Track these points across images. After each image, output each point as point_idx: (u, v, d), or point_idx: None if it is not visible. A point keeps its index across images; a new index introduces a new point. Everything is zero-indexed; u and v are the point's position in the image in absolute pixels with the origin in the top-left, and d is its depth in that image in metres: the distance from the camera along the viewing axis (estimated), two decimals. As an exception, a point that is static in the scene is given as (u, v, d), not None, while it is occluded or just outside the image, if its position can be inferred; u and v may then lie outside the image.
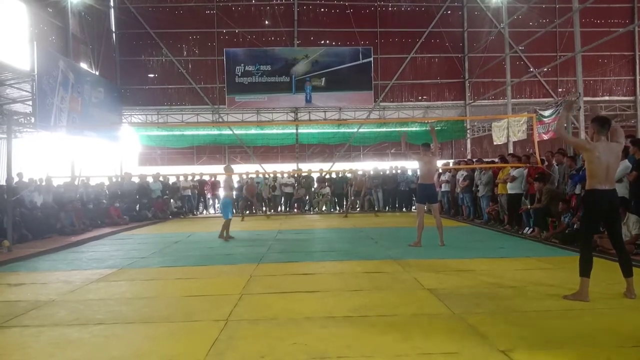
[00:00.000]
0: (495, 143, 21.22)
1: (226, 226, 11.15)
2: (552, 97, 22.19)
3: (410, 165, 18.81)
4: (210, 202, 20.56)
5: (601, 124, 5.18)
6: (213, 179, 19.71)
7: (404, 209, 18.89)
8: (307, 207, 19.74)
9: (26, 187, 12.78)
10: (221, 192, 11.57)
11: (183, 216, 18.44)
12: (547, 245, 9.17)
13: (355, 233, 11.99)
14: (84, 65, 18.88)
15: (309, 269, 7.23)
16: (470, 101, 23.15)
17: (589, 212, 5.26)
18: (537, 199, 10.44)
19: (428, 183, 9.34)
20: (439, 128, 23.21)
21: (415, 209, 12.16)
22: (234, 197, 19.07)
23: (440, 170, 16.44)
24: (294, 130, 22.93)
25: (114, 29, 22.10)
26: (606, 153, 5.08)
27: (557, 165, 10.88)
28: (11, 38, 14.16)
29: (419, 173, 9.59)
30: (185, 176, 19.22)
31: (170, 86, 22.57)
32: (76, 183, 15.81)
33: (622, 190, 8.39)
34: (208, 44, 22.49)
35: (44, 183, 13.90)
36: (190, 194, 19.18)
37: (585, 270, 5.13)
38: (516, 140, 19.52)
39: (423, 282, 6.08)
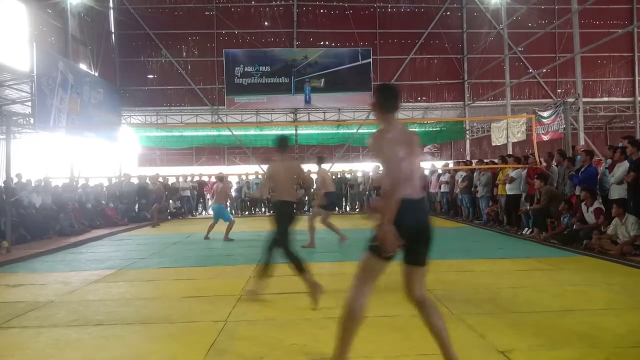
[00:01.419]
0: (494, 144, 21.24)
1: (230, 228, 11.34)
2: (551, 98, 22.21)
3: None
4: (210, 202, 20.53)
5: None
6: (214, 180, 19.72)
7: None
8: (306, 208, 19.72)
9: (25, 188, 12.77)
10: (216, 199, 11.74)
11: (182, 217, 18.43)
12: (546, 246, 9.17)
13: (355, 234, 11.97)
14: (83, 66, 18.88)
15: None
16: (470, 102, 23.16)
17: None
18: (536, 199, 10.45)
19: (334, 191, 10.36)
20: (438, 129, 23.23)
21: None
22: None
23: (440, 171, 16.46)
24: (294, 131, 22.93)
25: (113, 30, 22.10)
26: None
27: (556, 166, 10.89)
28: (10, 39, 14.16)
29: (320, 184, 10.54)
30: (185, 177, 19.22)
31: (169, 87, 22.58)
32: (75, 184, 15.78)
33: (621, 191, 8.41)
34: (207, 44, 22.51)
35: (42, 184, 13.88)
36: (189, 194, 19.17)
37: None
38: (515, 141, 19.53)
39: (422, 282, 6.07)
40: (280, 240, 5.29)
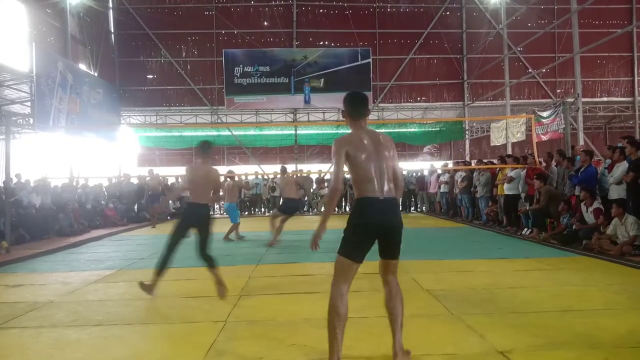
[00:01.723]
0: (493, 144, 21.25)
1: (233, 229, 11.33)
2: (550, 98, 22.23)
3: (409, 167, 18.85)
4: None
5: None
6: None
7: (405, 210, 18.89)
8: (306, 208, 19.73)
9: (24, 188, 12.77)
10: (226, 197, 11.60)
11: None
12: (546, 246, 9.18)
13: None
14: (82, 66, 18.88)
15: (307, 270, 7.23)
16: (469, 102, 23.17)
17: None
18: (535, 199, 10.45)
19: (294, 197, 10.93)
20: (438, 129, 23.24)
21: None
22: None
23: (439, 171, 16.47)
24: (293, 131, 22.94)
25: (112, 30, 22.10)
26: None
27: (555, 166, 10.90)
28: (10, 39, 14.16)
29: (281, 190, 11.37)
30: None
31: (169, 87, 22.58)
32: (74, 184, 15.77)
33: (620, 191, 8.42)
34: (207, 45, 22.50)
35: (41, 184, 13.86)
36: (188, 194, 19.11)
37: None
38: (515, 141, 19.54)
39: (421, 283, 6.08)
40: (200, 242, 5.59)
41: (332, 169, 3.46)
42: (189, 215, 5.66)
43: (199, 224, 5.59)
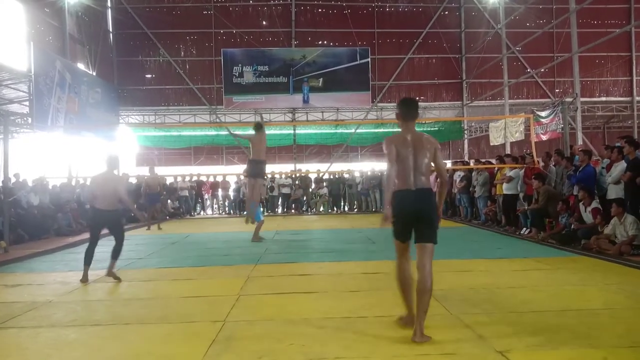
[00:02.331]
0: (492, 144, 21.27)
1: (259, 227, 10.99)
2: (549, 97, 22.25)
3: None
4: (208, 202, 20.54)
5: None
6: (213, 179, 19.75)
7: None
8: (304, 208, 19.74)
9: (23, 188, 12.75)
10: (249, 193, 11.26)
11: (180, 217, 18.42)
12: (544, 245, 9.18)
13: (353, 234, 12.00)
14: (81, 66, 18.85)
15: (306, 270, 7.23)
16: (468, 102, 23.19)
17: None
18: (534, 199, 10.46)
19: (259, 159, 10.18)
20: (437, 129, 23.25)
21: None
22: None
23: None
24: (292, 131, 22.94)
25: (111, 29, 22.07)
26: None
27: (554, 166, 10.90)
28: (8, 38, 14.14)
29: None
30: (183, 177, 19.19)
31: (167, 87, 22.56)
32: (73, 184, 15.75)
33: (618, 191, 8.43)
34: (205, 44, 22.49)
35: (39, 183, 13.83)
36: (187, 194, 19.15)
37: None
38: (513, 141, 19.56)
39: (420, 282, 6.07)
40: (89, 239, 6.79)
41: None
42: (91, 220, 6.85)
43: (109, 226, 6.74)
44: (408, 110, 4.19)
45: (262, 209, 11.35)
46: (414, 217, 4.01)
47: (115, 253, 6.71)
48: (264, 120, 22.53)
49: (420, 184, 4.01)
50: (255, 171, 10.22)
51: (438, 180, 4.44)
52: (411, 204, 3.99)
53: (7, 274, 7.51)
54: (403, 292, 4.15)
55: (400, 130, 4.20)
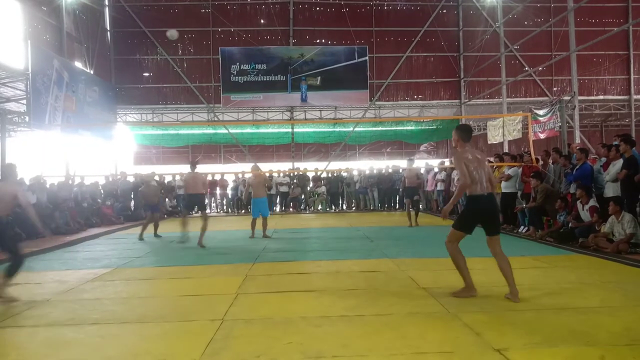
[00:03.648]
0: (490, 142, 21.29)
1: (266, 225, 11.24)
2: (547, 96, 22.26)
3: (406, 166, 18.76)
4: (206, 201, 20.48)
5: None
6: (211, 177, 19.71)
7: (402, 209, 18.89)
8: (302, 206, 19.74)
9: (20, 187, 12.69)
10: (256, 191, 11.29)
11: (178, 215, 18.38)
12: (542, 244, 9.20)
13: (351, 232, 12.00)
14: (78, 64, 18.81)
15: (304, 268, 7.23)
16: (466, 100, 23.19)
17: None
18: (532, 197, 10.47)
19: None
20: (435, 127, 23.26)
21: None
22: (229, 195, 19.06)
23: (436, 169, 16.49)
24: (290, 129, 22.93)
25: (108, 28, 22.02)
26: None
27: (552, 164, 10.92)
28: (5, 37, 14.10)
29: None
30: (181, 175, 19.14)
31: (165, 85, 22.52)
32: (71, 182, 15.72)
33: (616, 189, 8.45)
34: (203, 42, 22.45)
35: (35, 182, 13.79)
36: (181, 193, 19.09)
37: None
38: (511, 139, 19.58)
39: (418, 281, 6.09)
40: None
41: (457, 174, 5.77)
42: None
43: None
44: (469, 135, 5.37)
45: (259, 208, 11.37)
46: (486, 214, 5.23)
47: (8, 268, 5.83)
48: (262, 118, 22.59)
49: (488, 189, 5.17)
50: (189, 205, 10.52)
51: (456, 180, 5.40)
52: (484, 205, 5.17)
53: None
54: (462, 269, 5.25)
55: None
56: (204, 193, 10.98)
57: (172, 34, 9.38)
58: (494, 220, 5.30)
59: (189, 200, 11.18)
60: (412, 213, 12.82)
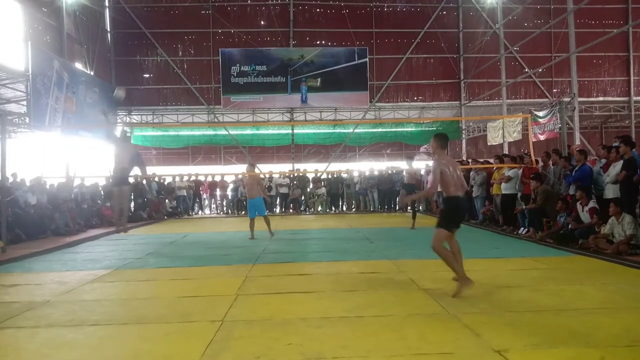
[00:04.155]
0: (490, 143, 21.28)
1: (268, 222, 11.37)
2: (547, 97, 22.26)
3: (406, 166, 18.75)
4: (206, 202, 20.53)
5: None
6: (211, 179, 19.74)
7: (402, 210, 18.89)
8: (302, 208, 19.74)
9: (20, 188, 12.72)
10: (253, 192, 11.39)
11: (178, 217, 18.40)
12: (542, 245, 9.20)
13: (351, 233, 12.00)
14: (78, 65, 18.81)
15: (304, 270, 7.23)
16: (466, 102, 23.20)
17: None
18: (532, 199, 10.47)
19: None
20: (435, 128, 23.26)
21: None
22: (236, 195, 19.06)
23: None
24: (290, 131, 22.92)
25: (108, 29, 22.02)
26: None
27: (552, 165, 10.92)
28: (5, 38, 14.11)
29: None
30: (181, 176, 19.17)
31: (165, 86, 22.52)
32: (71, 183, 15.71)
33: (616, 190, 8.45)
34: (203, 44, 22.45)
35: (36, 183, 13.78)
36: (185, 194, 19.13)
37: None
38: (511, 140, 19.58)
39: (418, 282, 6.09)
40: None
41: (429, 178, 5.82)
42: None
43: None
44: (446, 142, 5.92)
45: (255, 208, 11.48)
46: (463, 213, 6.04)
47: None
48: (263, 120, 22.60)
49: (462, 191, 5.71)
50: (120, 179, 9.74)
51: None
52: (458, 204, 5.67)
53: (5, 274, 7.49)
54: (452, 263, 5.51)
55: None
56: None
57: (119, 93, 9.33)
58: (464, 218, 6.33)
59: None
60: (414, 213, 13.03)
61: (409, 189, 12.93)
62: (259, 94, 21.79)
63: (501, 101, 21.22)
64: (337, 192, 19.55)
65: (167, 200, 18.43)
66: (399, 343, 3.90)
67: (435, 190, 5.91)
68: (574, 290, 5.55)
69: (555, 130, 15.68)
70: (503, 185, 11.48)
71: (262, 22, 22.62)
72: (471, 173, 13.52)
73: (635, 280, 6.11)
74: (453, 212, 5.67)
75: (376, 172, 19.18)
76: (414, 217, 12.83)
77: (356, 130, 22.83)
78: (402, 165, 19.31)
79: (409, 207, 13.89)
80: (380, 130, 23.01)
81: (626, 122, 23.13)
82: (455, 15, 23.25)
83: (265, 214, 11.56)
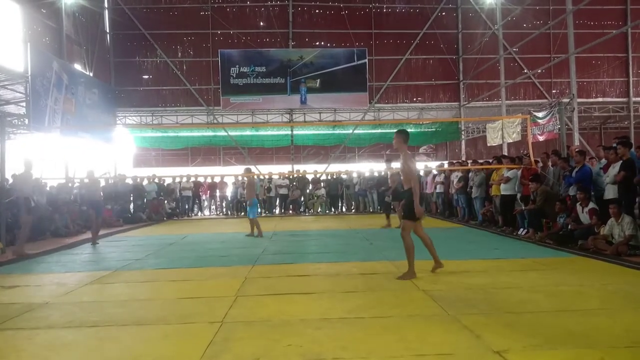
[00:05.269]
0: (489, 144, 21.30)
1: (250, 225, 11.84)
2: (546, 98, 22.29)
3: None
4: (206, 203, 20.51)
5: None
6: (211, 180, 19.73)
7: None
8: (302, 209, 19.73)
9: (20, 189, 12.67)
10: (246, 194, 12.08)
11: (177, 218, 18.39)
12: (542, 246, 9.20)
13: (351, 234, 12.00)
14: (77, 67, 18.81)
15: (304, 271, 7.23)
16: (465, 102, 23.22)
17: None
18: (531, 199, 10.47)
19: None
20: (434, 129, 23.28)
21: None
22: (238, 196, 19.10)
23: (435, 172, 16.49)
24: (289, 132, 22.93)
25: (108, 30, 22.04)
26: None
27: (552, 166, 10.93)
28: (4, 39, 14.09)
29: None
30: (188, 177, 19.13)
31: (164, 87, 22.53)
32: (71, 185, 15.70)
33: (615, 191, 8.45)
34: (203, 45, 22.47)
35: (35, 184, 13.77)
36: (190, 194, 19.12)
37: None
38: (511, 141, 19.59)
39: (418, 283, 6.09)
40: None
41: (403, 170, 6.55)
42: None
43: None
44: (408, 138, 6.66)
45: (256, 209, 12.28)
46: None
47: None
48: (262, 121, 22.60)
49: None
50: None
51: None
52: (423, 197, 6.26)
53: (4, 275, 7.48)
54: (412, 255, 6.34)
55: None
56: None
57: (28, 161, 9.34)
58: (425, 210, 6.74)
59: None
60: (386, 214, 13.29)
61: (400, 196, 12.00)
62: (258, 95, 21.81)
63: (500, 102, 21.24)
64: (336, 193, 19.54)
65: (166, 202, 18.41)
66: (398, 344, 3.90)
67: (418, 184, 6.41)
68: (573, 291, 5.55)
69: (555, 131, 15.69)
70: (502, 186, 11.48)
71: (262, 23, 22.64)
72: (470, 174, 13.52)
73: (634, 281, 6.11)
74: (413, 203, 6.29)
75: (376, 173, 19.16)
76: (387, 217, 13.12)
77: (355, 131, 22.84)
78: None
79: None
80: (379, 131, 23.00)
81: (625, 123, 23.17)
82: (455, 16, 23.28)
83: (251, 216, 11.90)
